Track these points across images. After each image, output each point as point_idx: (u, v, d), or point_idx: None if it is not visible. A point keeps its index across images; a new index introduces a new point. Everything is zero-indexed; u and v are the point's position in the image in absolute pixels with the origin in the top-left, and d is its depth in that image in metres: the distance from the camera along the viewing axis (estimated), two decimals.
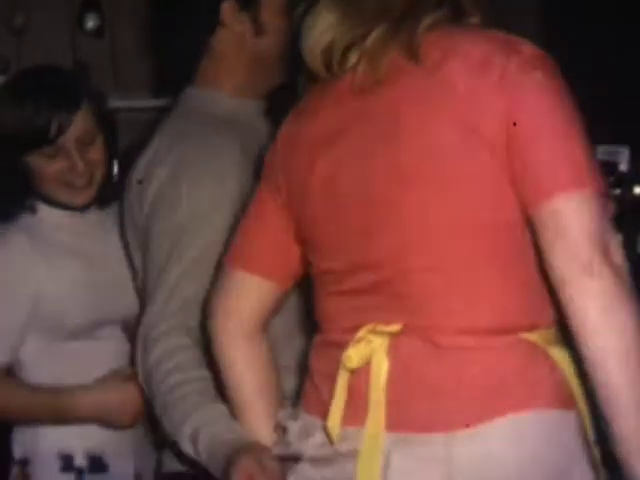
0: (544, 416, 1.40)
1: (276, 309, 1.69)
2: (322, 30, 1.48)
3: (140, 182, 2.01)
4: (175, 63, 2.28)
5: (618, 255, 1.38)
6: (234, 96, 2.06)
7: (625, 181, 2.14)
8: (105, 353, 2.13)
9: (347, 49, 1.48)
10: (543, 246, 1.38)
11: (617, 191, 2.15)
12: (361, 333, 1.47)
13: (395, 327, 1.45)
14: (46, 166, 2.07)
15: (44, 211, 2.14)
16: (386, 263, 1.46)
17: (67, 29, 3.45)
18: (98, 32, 3.43)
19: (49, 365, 2.10)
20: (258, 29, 2.01)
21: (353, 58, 1.48)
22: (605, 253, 1.35)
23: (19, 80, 2.16)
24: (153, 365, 1.83)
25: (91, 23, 3.43)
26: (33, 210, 2.13)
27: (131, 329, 2.10)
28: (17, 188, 2.12)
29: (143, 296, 1.99)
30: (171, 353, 1.83)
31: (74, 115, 2.06)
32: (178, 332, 1.84)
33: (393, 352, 1.45)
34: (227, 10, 2.01)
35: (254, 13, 2.01)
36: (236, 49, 2.05)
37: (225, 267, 1.67)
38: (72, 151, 2.06)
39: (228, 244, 1.71)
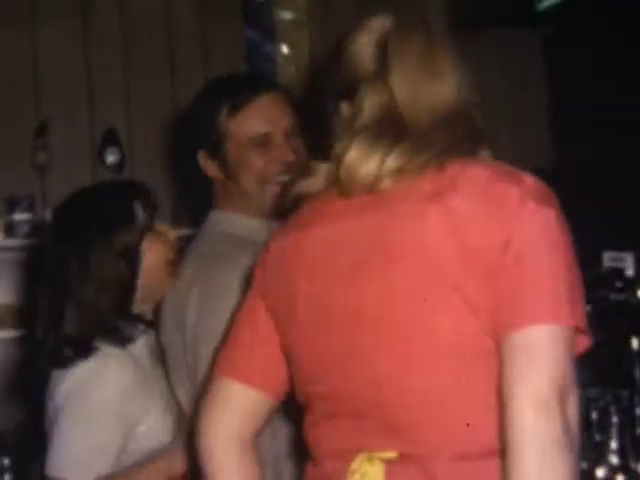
0: None
1: (266, 422, 1.63)
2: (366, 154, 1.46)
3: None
4: (190, 195, 2.39)
5: (573, 404, 1.35)
6: (249, 217, 2.16)
7: (631, 286, 2.18)
8: None
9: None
10: (505, 371, 1.35)
11: (623, 296, 2.19)
12: (355, 464, 1.44)
13: (391, 454, 1.42)
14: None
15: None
16: (376, 387, 1.43)
17: (89, 164, 3.56)
18: (119, 166, 3.54)
19: None
20: (227, 174, 2.14)
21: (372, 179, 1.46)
22: (563, 398, 1.32)
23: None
24: None
25: (111, 157, 3.54)
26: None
27: None
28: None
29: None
30: None
31: None
32: None
33: None
34: (201, 160, 2.17)
35: (222, 160, 2.14)
36: (223, 186, 2.17)
37: (215, 376, 1.62)
38: None
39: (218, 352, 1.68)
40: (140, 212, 2.04)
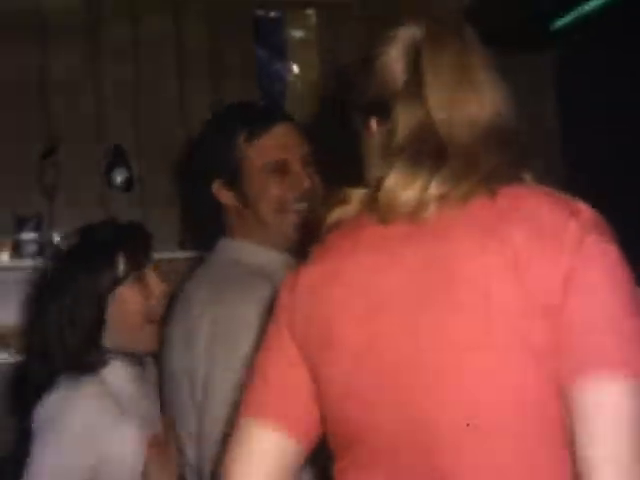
0: None
1: (297, 471, 1.46)
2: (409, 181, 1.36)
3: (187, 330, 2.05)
4: (199, 218, 2.36)
5: None
6: (264, 247, 2.12)
7: None
8: None
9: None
10: (577, 429, 1.24)
11: None
12: None
13: None
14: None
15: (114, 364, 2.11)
16: (425, 436, 1.31)
17: (97, 184, 3.55)
18: (127, 186, 3.53)
19: None
20: (245, 202, 2.12)
21: (414, 205, 1.35)
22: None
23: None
24: None
25: (120, 177, 3.53)
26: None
27: None
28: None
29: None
30: None
31: None
32: None
33: None
34: (216, 189, 2.14)
35: (239, 189, 2.12)
36: (239, 215, 2.14)
37: (241, 417, 1.46)
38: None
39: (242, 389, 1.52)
40: (122, 263, 2.10)
